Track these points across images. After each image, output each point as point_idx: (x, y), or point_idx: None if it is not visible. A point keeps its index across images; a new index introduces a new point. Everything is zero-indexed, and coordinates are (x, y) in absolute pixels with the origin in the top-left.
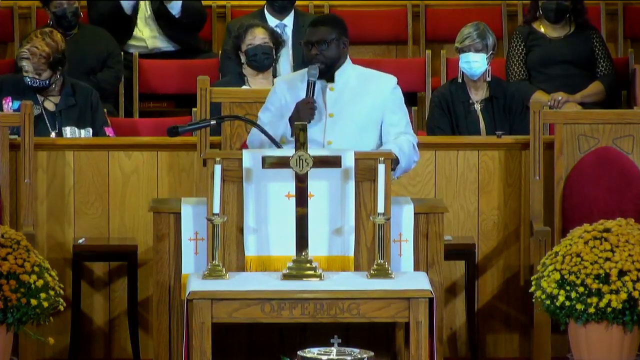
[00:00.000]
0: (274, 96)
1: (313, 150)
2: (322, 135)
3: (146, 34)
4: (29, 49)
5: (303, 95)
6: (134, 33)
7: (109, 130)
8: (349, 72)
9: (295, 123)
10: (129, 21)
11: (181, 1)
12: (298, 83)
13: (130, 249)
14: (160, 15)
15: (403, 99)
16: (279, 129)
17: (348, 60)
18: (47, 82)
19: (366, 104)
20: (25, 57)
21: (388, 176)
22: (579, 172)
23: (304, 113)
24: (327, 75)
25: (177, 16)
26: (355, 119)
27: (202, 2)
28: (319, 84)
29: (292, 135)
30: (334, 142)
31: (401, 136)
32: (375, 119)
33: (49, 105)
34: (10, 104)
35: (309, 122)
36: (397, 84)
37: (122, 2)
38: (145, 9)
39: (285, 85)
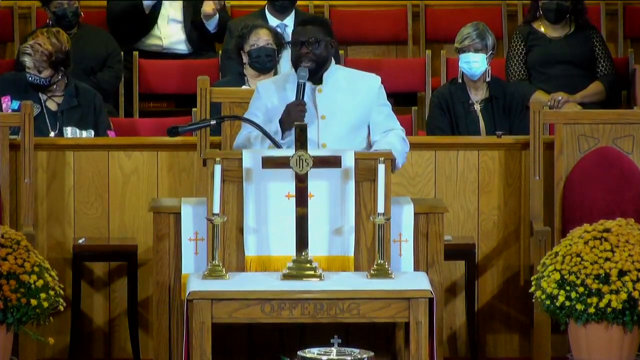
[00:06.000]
0: (258, 101)
1: (313, 151)
2: (316, 138)
3: (165, 33)
4: (31, 45)
5: (290, 96)
6: (152, 31)
7: (111, 134)
8: (336, 74)
9: (296, 123)
10: (147, 19)
11: (218, 19)
12: (284, 85)
13: (130, 249)
14: (195, 25)
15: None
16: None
17: (334, 63)
18: (48, 80)
19: (356, 104)
20: (27, 52)
21: (388, 176)
22: (579, 172)
23: (294, 115)
24: (315, 77)
25: (212, 31)
26: (347, 120)
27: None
28: (308, 87)
29: (282, 137)
30: (328, 144)
31: (390, 133)
32: (365, 118)
33: (52, 105)
34: (10, 103)
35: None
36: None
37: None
38: (169, 10)
39: (270, 89)
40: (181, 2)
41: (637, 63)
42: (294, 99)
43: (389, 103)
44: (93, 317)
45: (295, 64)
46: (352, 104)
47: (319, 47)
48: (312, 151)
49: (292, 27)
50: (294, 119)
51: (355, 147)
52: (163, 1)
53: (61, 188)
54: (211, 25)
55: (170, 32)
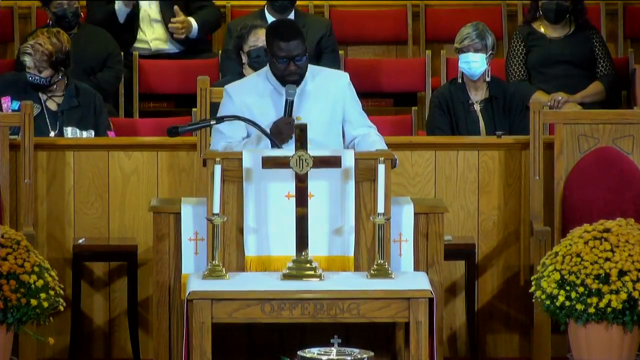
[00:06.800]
0: (231, 105)
1: (313, 150)
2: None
3: (149, 35)
4: (32, 45)
5: (270, 94)
6: (138, 36)
7: (111, 134)
8: (307, 75)
9: (296, 123)
10: (128, 26)
11: (197, 28)
12: (256, 84)
13: (130, 249)
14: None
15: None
16: (239, 134)
17: None
18: (48, 80)
19: (328, 102)
20: (28, 52)
21: (388, 176)
22: (579, 172)
23: (286, 131)
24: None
25: (195, 37)
26: (322, 119)
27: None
28: (281, 88)
29: (272, 148)
30: (311, 143)
31: (370, 132)
32: (338, 115)
33: (52, 105)
34: (10, 103)
35: (289, 140)
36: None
37: (116, 10)
38: (149, 12)
39: (241, 91)
40: (157, 2)
41: (637, 63)
42: (274, 95)
43: (359, 100)
44: (93, 317)
45: (282, 79)
46: (324, 102)
47: (306, 61)
48: (312, 151)
49: None
50: (285, 135)
51: (334, 143)
52: (141, 4)
53: (61, 188)
54: (192, 35)
55: (154, 33)
